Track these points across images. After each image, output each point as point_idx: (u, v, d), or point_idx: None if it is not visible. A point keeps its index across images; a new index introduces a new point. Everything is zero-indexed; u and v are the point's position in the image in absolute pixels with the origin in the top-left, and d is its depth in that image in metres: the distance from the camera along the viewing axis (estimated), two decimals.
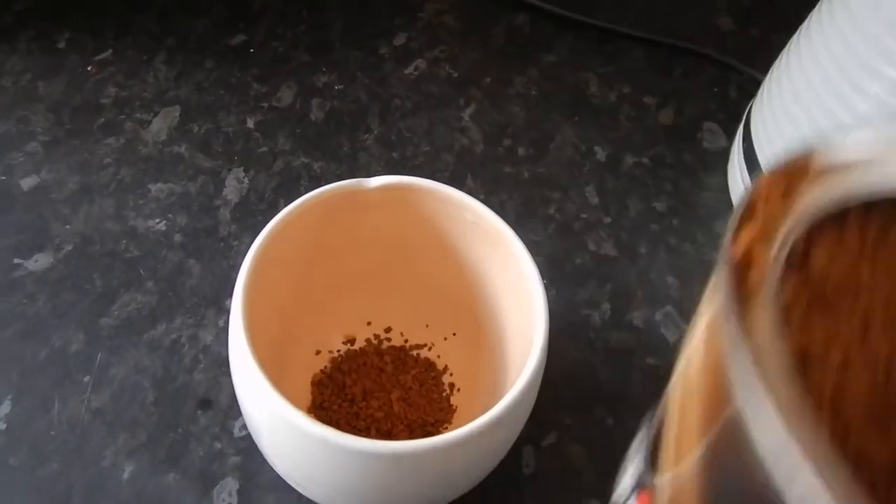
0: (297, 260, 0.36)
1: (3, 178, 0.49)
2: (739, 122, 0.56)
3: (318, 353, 0.41)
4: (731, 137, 0.57)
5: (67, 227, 0.48)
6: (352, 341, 0.42)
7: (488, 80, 0.61)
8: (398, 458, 0.28)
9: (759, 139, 0.50)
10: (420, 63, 0.62)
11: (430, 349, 0.42)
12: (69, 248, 0.47)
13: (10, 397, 0.41)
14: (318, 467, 0.30)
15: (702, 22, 0.67)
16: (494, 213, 0.35)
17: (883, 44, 0.40)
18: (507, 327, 0.38)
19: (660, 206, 0.54)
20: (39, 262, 0.46)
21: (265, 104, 0.57)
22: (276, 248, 0.34)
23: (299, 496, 0.39)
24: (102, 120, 0.54)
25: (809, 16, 0.48)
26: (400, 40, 0.63)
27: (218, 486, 0.39)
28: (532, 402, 0.33)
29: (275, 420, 0.29)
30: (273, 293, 0.35)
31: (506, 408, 0.29)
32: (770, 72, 0.52)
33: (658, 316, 0.48)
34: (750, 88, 0.57)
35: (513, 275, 0.35)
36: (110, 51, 0.58)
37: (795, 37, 0.49)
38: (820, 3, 0.47)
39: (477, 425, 0.29)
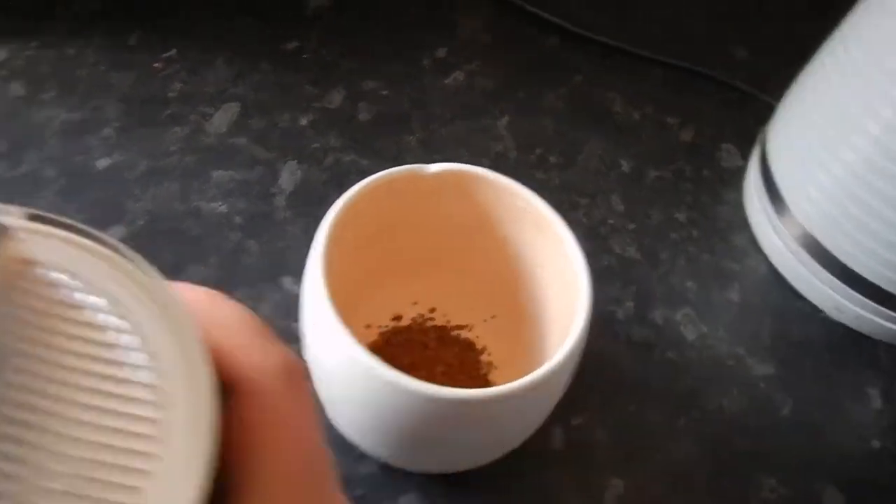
0: (357, 237, 0.39)
1: (81, 157, 0.52)
2: (753, 143, 0.59)
3: (367, 326, 0.44)
4: (745, 157, 0.60)
5: (138, 204, 0.50)
6: (399, 318, 0.45)
7: (521, 94, 0.64)
8: (465, 403, 0.31)
9: (776, 159, 0.53)
10: (458, 75, 0.65)
11: (470, 330, 0.45)
12: (140, 223, 0.49)
13: None
14: (387, 413, 0.33)
15: (719, 51, 0.70)
16: (543, 201, 0.38)
17: None
18: (547, 310, 0.41)
19: (680, 216, 0.56)
20: (113, 234, 0.48)
21: (317, 105, 0.60)
22: (344, 224, 0.36)
23: (349, 453, 0.41)
24: (169, 111, 0.57)
25: (821, 48, 0.51)
26: (440, 53, 0.66)
27: None
28: (573, 367, 0.36)
29: (352, 368, 0.32)
30: (336, 265, 0.37)
31: (556, 365, 0.32)
32: (785, 97, 0.55)
33: (678, 316, 0.51)
34: (763, 112, 0.60)
35: (559, 258, 0.37)
36: (175, 50, 0.61)
37: (809, 66, 0.52)
38: (832, 37, 0.50)
39: (535, 376, 0.32)
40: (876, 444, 0.47)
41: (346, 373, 0.33)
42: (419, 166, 0.39)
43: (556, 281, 0.39)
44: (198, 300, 0.20)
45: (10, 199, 0.49)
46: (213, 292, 0.20)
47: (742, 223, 0.57)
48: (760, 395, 0.47)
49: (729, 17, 0.73)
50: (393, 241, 0.42)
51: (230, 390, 0.19)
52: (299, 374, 0.20)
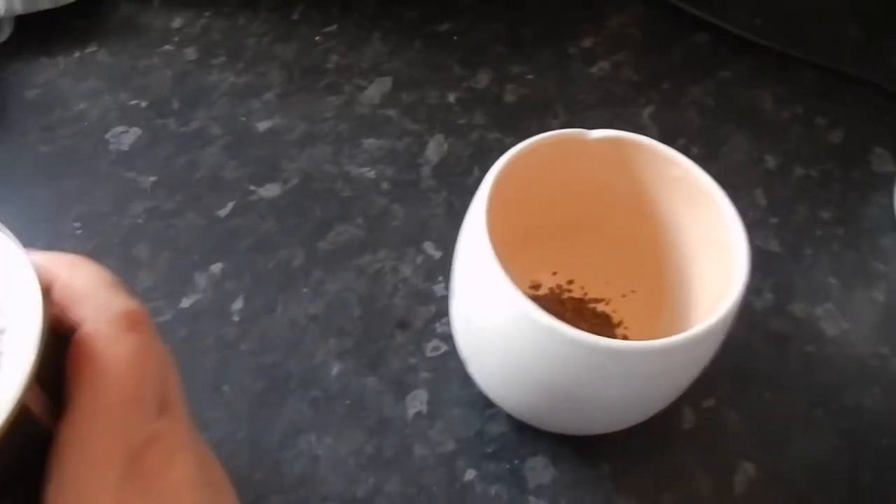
0: (511, 199, 0.38)
1: (244, 119, 0.54)
2: None
3: None
4: None
5: (294, 164, 0.52)
6: (537, 287, 0.44)
7: (666, 86, 0.62)
8: (626, 353, 0.31)
9: None
10: (604, 65, 0.64)
11: (607, 304, 0.44)
12: (294, 181, 0.51)
13: (242, 296, 0.45)
14: (544, 364, 0.32)
15: (876, 58, 0.66)
16: (702, 170, 0.37)
17: None
18: (696, 285, 0.39)
19: (826, 214, 0.54)
20: (270, 190, 0.50)
21: (465, 84, 0.60)
22: (503, 183, 0.36)
23: (482, 412, 0.41)
24: (326, 81, 0.58)
25: None
26: (587, 43, 0.65)
27: (411, 395, 0.42)
28: (721, 337, 0.34)
29: (513, 318, 0.32)
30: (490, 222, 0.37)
31: (709, 327, 0.31)
32: None
33: (818, 311, 0.48)
34: None
35: (714, 229, 0.36)
36: (335, 25, 0.63)
37: None
38: None
39: (691, 333, 0.31)
40: None
41: (505, 324, 0.33)
42: (582, 130, 0.39)
43: (709, 254, 0.37)
44: (60, 263, 0.24)
45: (179, 153, 0.51)
46: (76, 257, 0.24)
47: (891, 226, 0.54)
48: None
49: (887, 26, 0.69)
50: (543, 207, 0.42)
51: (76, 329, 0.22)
52: (138, 320, 0.23)
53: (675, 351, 0.31)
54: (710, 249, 0.37)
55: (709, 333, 0.32)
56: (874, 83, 0.63)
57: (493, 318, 0.34)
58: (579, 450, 0.41)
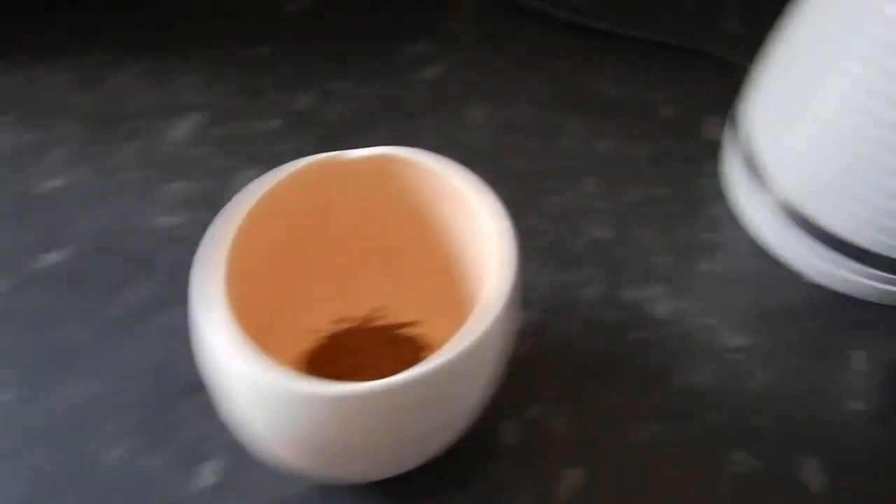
0: (281, 234, 0.34)
1: (34, 179, 0.48)
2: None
3: (305, 332, 0.38)
4: (729, 129, 0.53)
5: (84, 225, 0.46)
6: (342, 321, 0.39)
7: (501, 83, 0.58)
8: (364, 398, 0.26)
9: (753, 125, 0.47)
10: (436, 69, 0.59)
11: (419, 326, 0.39)
12: (84, 244, 0.45)
13: (10, 386, 0.39)
14: (286, 421, 0.27)
15: (705, 25, 0.62)
16: (463, 174, 0.32)
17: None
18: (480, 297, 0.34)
19: (659, 192, 0.50)
20: (54, 258, 0.44)
21: (285, 108, 0.54)
22: (257, 221, 0.31)
23: (280, 474, 0.36)
24: (129, 127, 0.52)
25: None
26: (418, 49, 0.60)
27: (204, 465, 0.36)
28: (481, 357, 0.30)
29: (242, 375, 0.27)
30: (256, 266, 0.31)
31: (445, 361, 0.26)
32: (761, 61, 0.48)
33: (652, 293, 0.45)
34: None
35: (482, 240, 0.31)
36: (143, 64, 0.56)
37: (782, 26, 0.45)
38: None
39: (419, 370, 0.27)
40: (859, 406, 0.40)
41: (233, 379, 0.28)
42: (338, 153, 0.34)
43: (487, 267, 0.32)
44: None
45: None
46: None
47: (721, 194, 0.50)
48: (737, 367, 0.41)
49: None
50: (327, 238, 0.37)
51: None
52: None
53: (408, 389, 0.26)
54: (488, 261, 0.32)
55: (452, 363, 0.26)
56: (705, 52, 0.59)
57: (223, 372, 0.28)
58: (391, 491, 0.36)
